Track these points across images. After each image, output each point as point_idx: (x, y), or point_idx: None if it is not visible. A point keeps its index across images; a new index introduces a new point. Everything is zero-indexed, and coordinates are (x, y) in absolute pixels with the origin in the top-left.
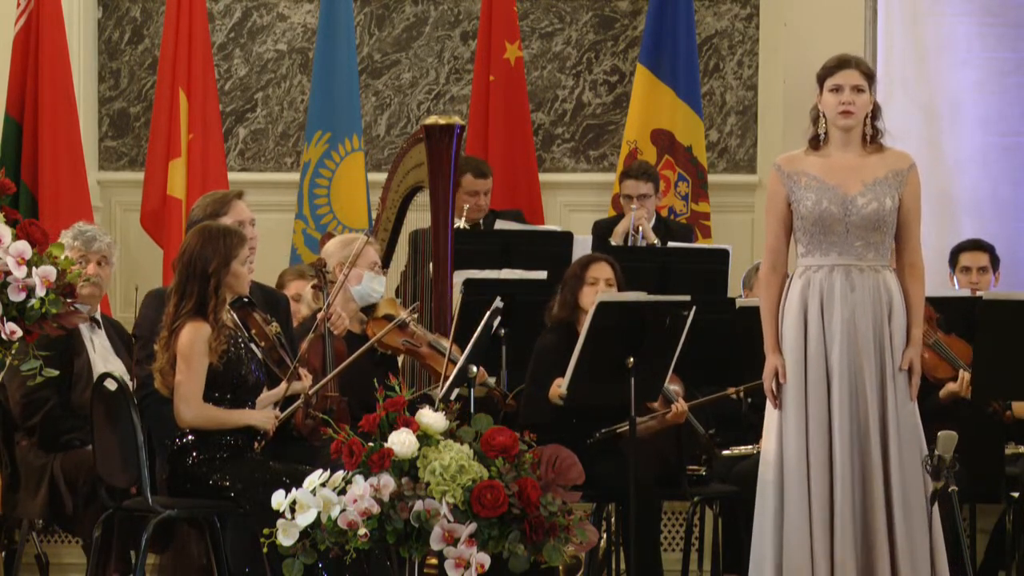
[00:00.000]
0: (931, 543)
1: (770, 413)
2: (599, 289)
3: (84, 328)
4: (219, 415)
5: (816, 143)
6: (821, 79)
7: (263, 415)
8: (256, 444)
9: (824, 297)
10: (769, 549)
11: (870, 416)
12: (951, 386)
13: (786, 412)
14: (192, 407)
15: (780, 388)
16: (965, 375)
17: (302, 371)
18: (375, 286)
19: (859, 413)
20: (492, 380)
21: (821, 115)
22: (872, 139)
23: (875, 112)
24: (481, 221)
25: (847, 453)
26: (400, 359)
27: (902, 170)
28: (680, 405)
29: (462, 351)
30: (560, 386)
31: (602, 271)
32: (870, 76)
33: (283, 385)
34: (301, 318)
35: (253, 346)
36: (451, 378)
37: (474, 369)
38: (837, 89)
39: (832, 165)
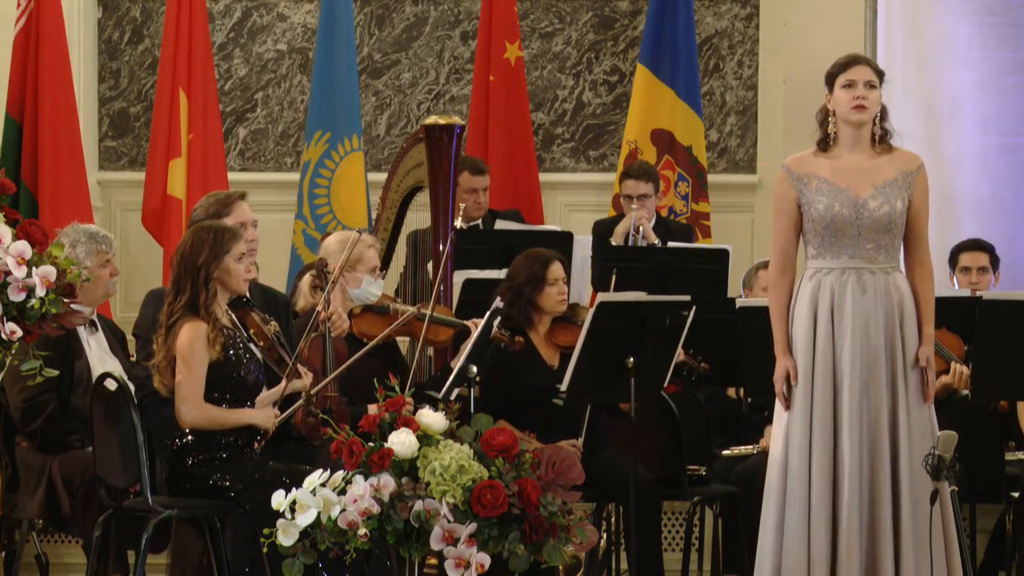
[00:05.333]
0: (945, 544)
1: (778, 415)
2: (560, 290)
3: (82, 330)
4: (219, 415)
5: (824, 144)
6: (832, 77)
7: (263, 414)
8: (256, 444)
9: (835, 300)
10: (769, 547)
11: (881, 418)
12: (944, 379)
13: (792, 413)
14: (192, 407)
15: (791, 390)
16: (957, 367)
17: (302, 369)
18: (373, 290)
19: (870, 415)
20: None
21: (830, 115)
22: (881, 139)
23: (883, 113)
24: (480, 221)
25: (855, 455)
26: (416, 353)
27: (911, 171)
28: None
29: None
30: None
31: (560, 271)
32: (881, 74)
33: (283, 383)
34: (298, 309)
35: (252, 346)
36: (451, 378)
37: (474, 369)
38: (850, 84)
39: (842, 167)
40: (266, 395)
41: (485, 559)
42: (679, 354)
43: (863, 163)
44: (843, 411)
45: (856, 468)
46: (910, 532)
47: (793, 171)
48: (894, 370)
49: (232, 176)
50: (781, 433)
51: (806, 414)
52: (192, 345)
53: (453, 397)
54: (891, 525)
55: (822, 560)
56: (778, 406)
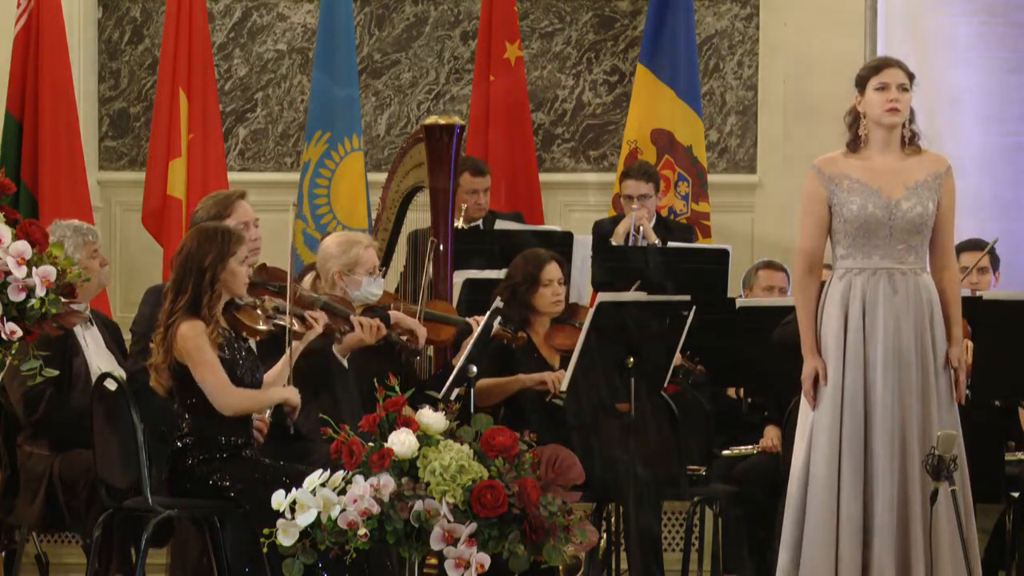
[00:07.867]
0: (964, 543)
1: (803, 423)
2: (555, 291)
3: (78, 327)
4: (254, 395)
5: (855, 146)
6: (863, 80)
7: (290, 390)
8: (255, 443)
9: (867, 301)
10: (788, 553)
11: (911, 420)
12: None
13: (819, 414)
14: (225, 396)
15: (817, 390)
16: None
17: (310, 316)
18: (373, 290)
19: (903, 416)
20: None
21: (861, 117)
22: (910, 141)
23: (912, 115)
24: (481, 221)
25: (888, 456)
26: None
27: (940, 172)
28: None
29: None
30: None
31: (556, 272)
32: (911, 77)
33: (296, 344)
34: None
35: (250, 344)
36: (451, 378)
37: (474, 369)
38: (883, 87)
39: (873, 168)
40: (273, 372)
41: (485, 559)
42: (676, 357)
43: (894, 164)
44: (875, 412)
45: (888, 471)
46: (947, 537)
47: (824, 171)
48: (925, 371)
49: (232, 176)
50: (805, 435)
51: (836, 415)
52: (197, 341)
53: (453, 397)
54: (923, 528)
55: (852, 563)
56: (803, 408)
